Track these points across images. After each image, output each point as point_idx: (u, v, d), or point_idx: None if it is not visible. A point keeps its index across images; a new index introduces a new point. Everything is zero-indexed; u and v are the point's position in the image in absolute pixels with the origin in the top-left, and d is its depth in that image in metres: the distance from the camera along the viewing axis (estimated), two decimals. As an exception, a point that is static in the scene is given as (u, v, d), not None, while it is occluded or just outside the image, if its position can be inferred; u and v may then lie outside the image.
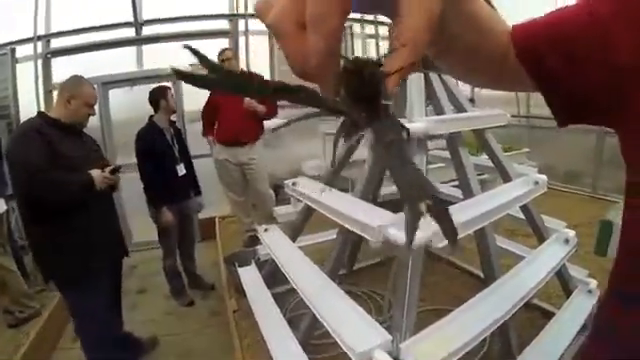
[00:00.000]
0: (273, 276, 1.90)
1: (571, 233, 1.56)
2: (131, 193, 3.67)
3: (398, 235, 0.99)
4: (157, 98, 2.51)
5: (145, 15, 3.67)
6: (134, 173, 3.45)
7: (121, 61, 3.59)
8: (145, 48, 3.73)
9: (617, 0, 0.36)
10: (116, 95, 3.64)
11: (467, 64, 0.41)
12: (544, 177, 1.52)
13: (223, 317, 2.47)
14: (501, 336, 1.47)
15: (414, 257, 1.05)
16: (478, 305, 1.14)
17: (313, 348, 1.61)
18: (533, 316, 1.86)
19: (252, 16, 4.12)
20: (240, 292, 2.34)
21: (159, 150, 2.47)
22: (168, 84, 3.03)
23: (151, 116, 2.54)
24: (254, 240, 2.95)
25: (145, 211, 2.72)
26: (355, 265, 2.46)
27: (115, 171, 1.80)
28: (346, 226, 1.22)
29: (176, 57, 3.72)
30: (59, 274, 1.74)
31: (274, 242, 1.75)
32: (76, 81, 1.82)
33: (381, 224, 1.03)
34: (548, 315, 1.72)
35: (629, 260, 0.42)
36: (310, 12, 0.21)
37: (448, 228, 0.19)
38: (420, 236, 0.96)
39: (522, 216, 1.67)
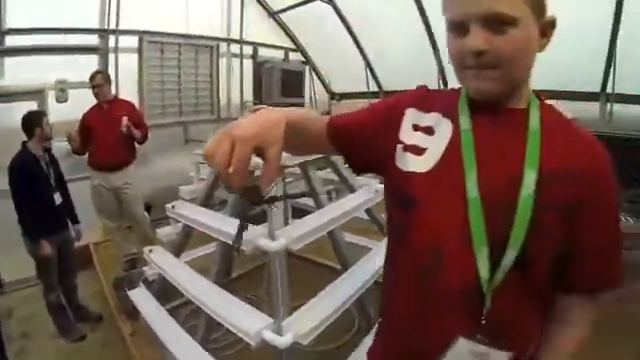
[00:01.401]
0: (162, 294, 2.02)
1: (409, 229, 2.09)
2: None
3: (266, 243, 1.32)
4: (32, 125, 2.37)
5: (9, 23, 3.30)
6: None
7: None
8: (8, 60, 3.36)
9: (383, 116, 0.73)
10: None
11: (298, 148, 0.77)
12: (382, 186, 2.01)
13: (117, 345, 2.44)
14: (363, 312, 1.90)
15: (280, 257, 1.37)
16: (337, 287, 1.52)
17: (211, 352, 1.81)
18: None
19: (123, 33, 4.04)
20: (132, 316, 2.37)
21: (34, 179, 2.35)
22: (35, 105, 2.84)
23: (24, 142, 2.39)
24: (132, 263, 3.00)
25: (14, 247, 2.46)
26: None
27: None
28: (223, 240, 1.49)
29: (42, 71, 3.40)
30: None
31: (161, 261, 1.90)
32: None
33: (253, 236, 1.34)
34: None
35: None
36: (233, 168, 0.51)
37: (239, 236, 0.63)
38: (283, 242, 1.32)
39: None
